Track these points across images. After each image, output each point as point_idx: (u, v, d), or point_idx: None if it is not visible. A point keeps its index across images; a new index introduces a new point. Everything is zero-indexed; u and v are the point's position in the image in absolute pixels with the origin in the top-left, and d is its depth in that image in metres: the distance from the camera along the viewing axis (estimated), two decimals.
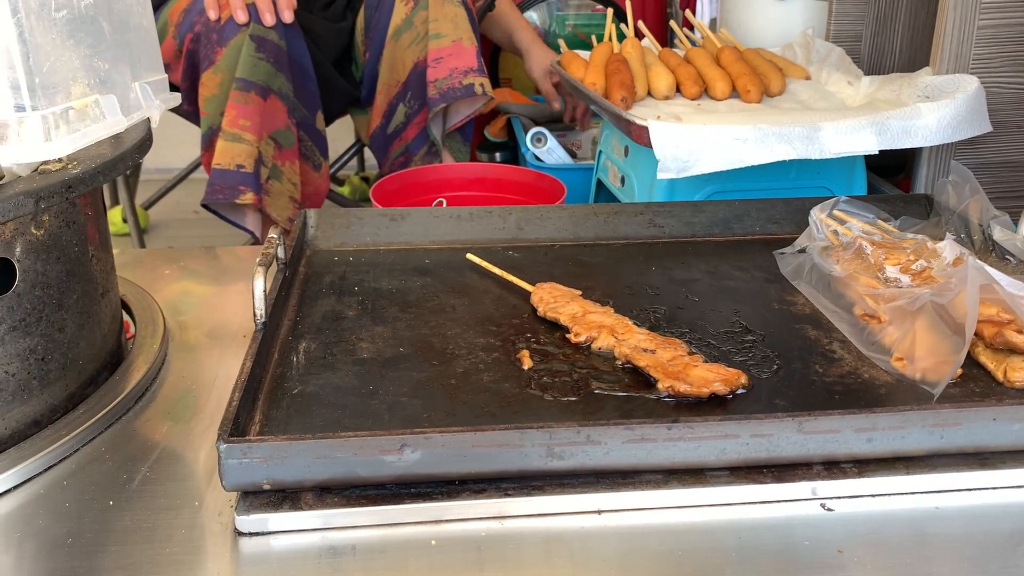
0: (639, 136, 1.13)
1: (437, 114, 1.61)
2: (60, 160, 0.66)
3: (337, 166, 2.09)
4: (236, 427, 0.61)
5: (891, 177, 1.41)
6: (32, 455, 0.65)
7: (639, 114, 1.19)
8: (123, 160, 0.70)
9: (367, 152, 2.51)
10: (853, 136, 1.10)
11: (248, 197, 1.44)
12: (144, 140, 0.75)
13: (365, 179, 2.49)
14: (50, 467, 0.66)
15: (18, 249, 0.66)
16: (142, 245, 2.08)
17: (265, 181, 1.48)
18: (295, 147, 1.54)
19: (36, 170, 0.67)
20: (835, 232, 0.95)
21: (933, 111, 1.10)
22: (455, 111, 1.65)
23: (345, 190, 2.43)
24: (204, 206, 1.49)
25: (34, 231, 0.66)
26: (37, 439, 0.67)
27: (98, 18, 0.66)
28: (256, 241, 1.57)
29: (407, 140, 1.67)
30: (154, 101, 0.75)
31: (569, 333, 0.80)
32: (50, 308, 0.69)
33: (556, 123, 1.90)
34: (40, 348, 0.68)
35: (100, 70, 0.66)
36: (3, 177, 0.64)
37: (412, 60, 1.61)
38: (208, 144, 1.53)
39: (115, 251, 0.86)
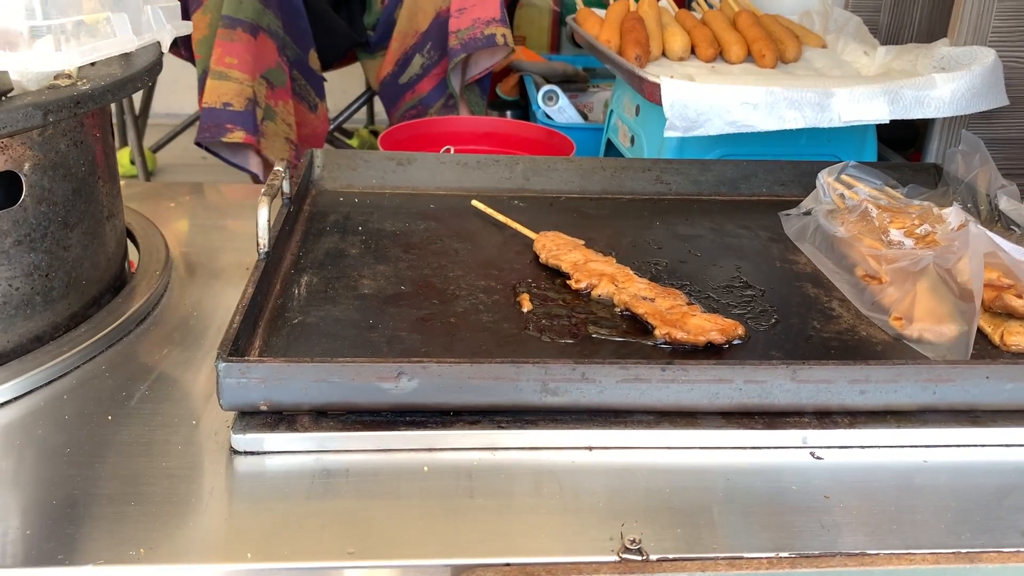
0: (651, 94, 1.13)
1: (457, 65, 1.60)
2: (70, 77, 0.66)
3: (345, 115, 2.09)
4: (236, 349, 0.62)
5: (902, 150, 1.41)
6: (33, 368, 0.66)
7: (652, 72, 1.18)
8: (132, 81, 0.70)
9: (377, 105, 2.50)
10: (865, 104, 1.10)
11: (238, 135, 1.44)
12: (154, 64, 0.75)
13: (374, 132, 2.49)
14: (51, 381, 0.67)
15: (26, 164, 0.66)
16: None
17: (260, 122, 1.47)
18: (288, 86, 1.54)
19: (47, 87, 0.67)
20: (842, 196, 0.94)
21: (947, 82, 1.09)
22: (475, 63, 1.65)
23: (354, 142, 2.43)
24: (198, 143, 1.49)
25: (42, 147, 0.67)
26: (39, 353, 0.68)
27: None
28: (258, 183, 1.58)
29: (421, 93, 1.67)
30: (165, 26, 0.75)
31: (570, 280, 0.80)
32: (56, 225, 0.69)
33: (569, 83, 1.88)
34: (44, 264, 0.69)
35: None
36: (12, 90, 0.64)
37: (434, 10, 1.60)
38: (203, 87, 1.53)
39: (123, 183, 0.87)
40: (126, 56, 0.74)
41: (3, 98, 0.62)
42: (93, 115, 0.72)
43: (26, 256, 0.67)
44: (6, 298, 0.67)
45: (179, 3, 0.81)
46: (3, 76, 0.62)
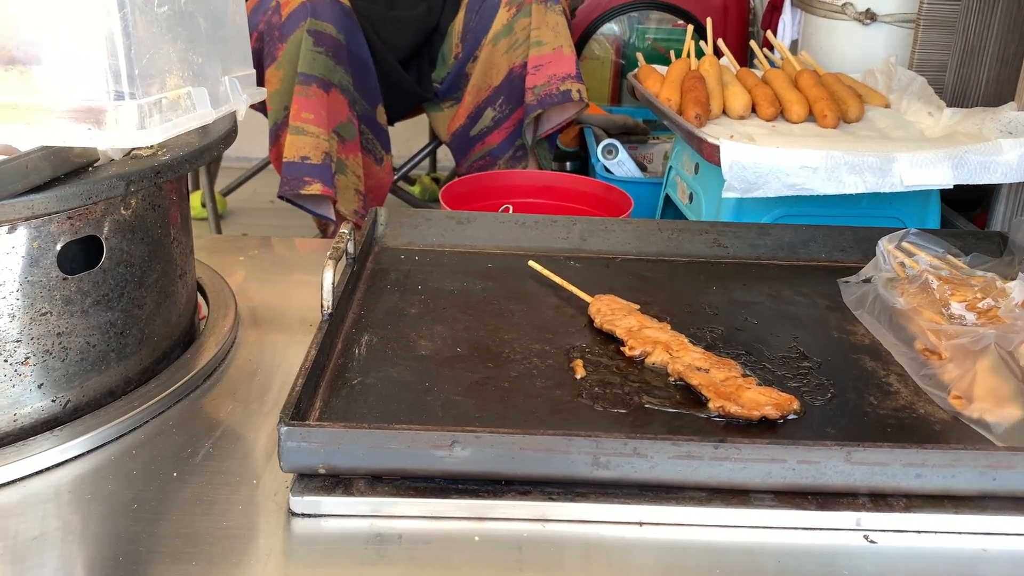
0: (710, 154, 1.14)
1: (532, 120, 1.65)
2: (151, 146, 0.70)
3: (410, 166, 2.13)
4: (298, 411, 0.64)
5: (967, 212, 1.39)
6: (106, 423, 0.69)
7: (712, 132, 1.19)
8: (209, 150, 0.73)
9: (439, 153, 2.55)
10: (928, 169, 1.09)
11: (316, 188, 1.49)
12: (230, 132, 0.79)
13: (436, 179, 2.53)
14: (121, 436, 0.70)
15: (106, 228, 0.70)
16: (219, 230, 2.15)
17: (334, 175, 1.53)
18: (357, 140, 1.59)
19: (128, 154, 0.71)
20: (902, 264, 0.93)
21: (1014, 147, 1.08)
22: (547, 118, 1.69)
23: (415, 189, 2.48)
24: (281, 197, 1.55)
25: (122, 212, 0.70)
26: (111, 408, 0.71)
27: (195, 14, 0.70)
28: (335, 229, 1.63)
29: (491, 144, 1.71)
30: (242, 95, 0.78)
31: (624, 346, 0.81)
32: (132, 285, 0.73)
33: (628, 135, 1.90)
34: (120, 322, 0.72)
35: (194, 63, 0.69)
36: (98, 160, 0.68)
37: (507, 66, 1.64)
38: (275, 139, 1.59)
39: (194, 235, 0.91)
40: (204, 125, 0.78)
41: (90, 168, 0.66)
42: (170, 180, 0.76)
43: (103, 315, 0.71)
44: (83, 354, 0.70)
45: (254, 71, 0.85)
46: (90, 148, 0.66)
